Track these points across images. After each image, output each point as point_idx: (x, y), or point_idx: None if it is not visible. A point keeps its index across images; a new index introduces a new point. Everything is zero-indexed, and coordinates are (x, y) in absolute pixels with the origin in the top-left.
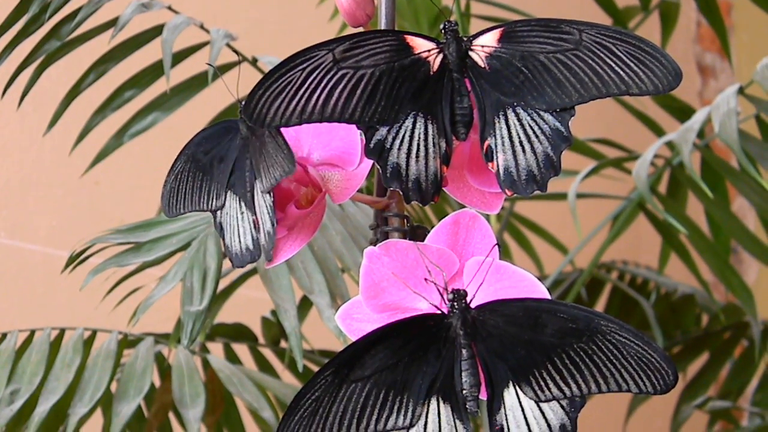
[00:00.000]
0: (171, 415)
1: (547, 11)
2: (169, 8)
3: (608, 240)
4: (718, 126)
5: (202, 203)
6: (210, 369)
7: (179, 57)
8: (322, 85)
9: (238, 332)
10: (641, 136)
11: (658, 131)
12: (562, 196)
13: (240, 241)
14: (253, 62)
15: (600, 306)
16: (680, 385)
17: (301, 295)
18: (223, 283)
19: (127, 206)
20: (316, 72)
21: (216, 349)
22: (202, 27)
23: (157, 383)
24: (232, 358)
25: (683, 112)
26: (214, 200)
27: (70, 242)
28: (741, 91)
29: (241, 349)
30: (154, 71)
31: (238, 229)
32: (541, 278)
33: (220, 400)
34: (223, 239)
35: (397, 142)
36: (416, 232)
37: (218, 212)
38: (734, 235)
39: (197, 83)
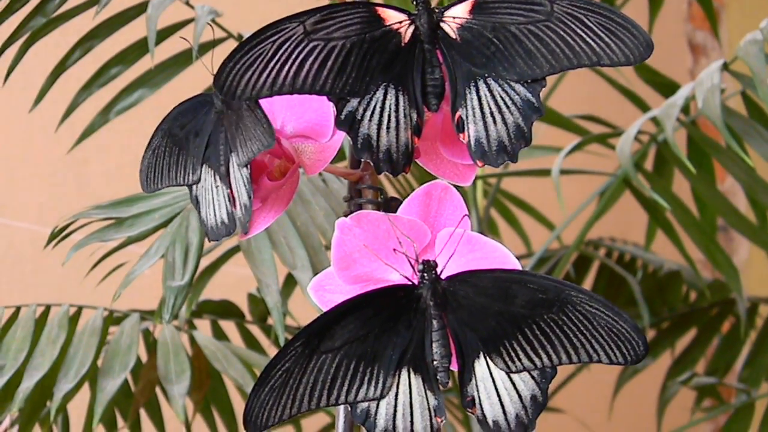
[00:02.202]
0: (158, 392)
1: None
2: None
3: (594, 217)
4: (702, 102)
5: (179, 178)
6: (196, 345)
7: (165, 33)
8: (293, 57)
9: (225, 309)
10: (628, 113)
11: (644, 108)
12: (547, 173)
13: (215, 215)
14: (239, 38)
15: (588, 283)
16: (668, 361)
17: (287, 271)
18: (209, 260)
19: (115, 183)
20: (287, 44)
21: (203, 326)
22: (187, 3)
23: (145, 360)
24: (219, 335)
25: (669, 88)
26: (190, 174)
27: (58, 220)
28: (726, 67)
29: (229, 326)
30: (140, 48)
31: (214, 203)
32: (528, 255)
33: (206, 377)
34: (199, 213)
35: (368, 113)
36: (390, 204)
37: (194, 186)
38: (720, 213)
39: (183, 59)
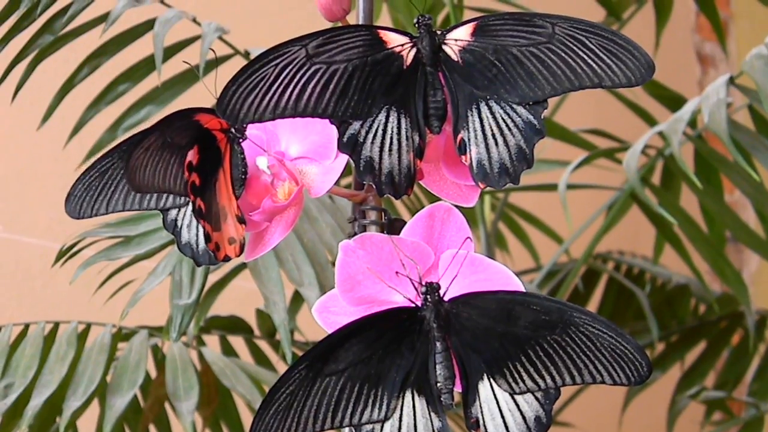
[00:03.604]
0: (168, 408)
1: (540, 3)
2: (161, 2)
3: (601, 231)
4: (708, 116)
5: (149, 202)
6: (204, 362)
7: (172, 51)
8: (296, 80)
9: (234, 324)
10: (635, 127)
11: (651, 122)
12: (555, 187)
13: None
14: (246, 55)
15: (596, 297)
16: (677, 375)
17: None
18: (217, 276)
19: None
20: (290, 67)
21: (212, 341)
22: (194, 20)
23: (154, 376)
24: (228, 350)
25: (675, 102)
26: (171, 198)
27: (67, 236)
28: (732, 80)
29: (238, 342)
30: (148, 65)
31: None
32: (537, 269)
33: (214, 393)
34: (180, 237)
35: (371, 135)
36: (394, 225)
37: (175, 210)
38: (728, 226)
39: (191, 76)
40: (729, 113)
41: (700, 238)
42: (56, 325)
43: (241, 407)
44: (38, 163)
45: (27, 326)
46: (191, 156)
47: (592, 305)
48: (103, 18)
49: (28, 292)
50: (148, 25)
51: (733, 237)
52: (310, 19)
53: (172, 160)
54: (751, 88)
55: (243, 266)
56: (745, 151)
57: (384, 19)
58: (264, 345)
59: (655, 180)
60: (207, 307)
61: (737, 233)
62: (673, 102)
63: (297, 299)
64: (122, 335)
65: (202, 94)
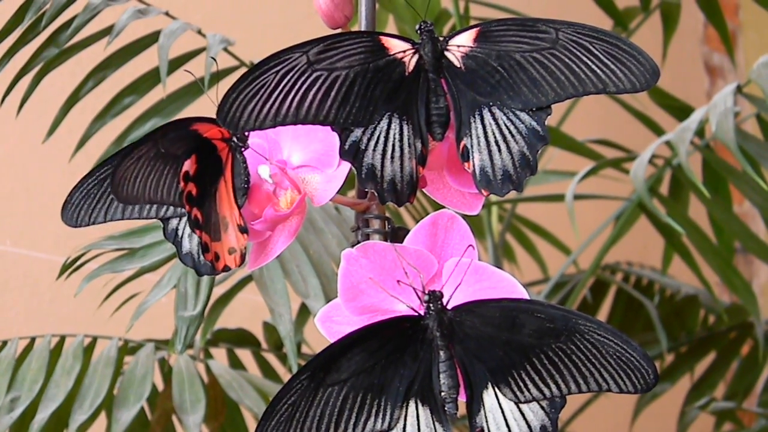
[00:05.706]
0: (175, 421)
1: (547, 13)
2: (167, 14)
3: (609, 241)
4: (715, 125)
5: (148, 211)
6: (211, 374)
7: (177, 63)
8: (296, 87)
9: (241, 337)
10: (642, 137)
11: (659, 131)
12: (562, 198)
13: None
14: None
15: (605, 308)
16: (687, 386)
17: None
18: (223, 288)
19: None
20: (290, 74)
21: (220, 354)
22: (199, 32)
23: (161, 389)
24: (235, 363)
25: (683, 112)
26: (173, 207)
27: (76, 250)
28: (740, 89)
29: (246, 355)
30: (153, 77)
31: None
32: (545, 280)
33: (221, 406)
34: (180, 247)
35: (372, 143)
36: (397, 234)
37: (176, 220)
38: (737, 236)
39: (196, 88)
40: (737, 122)
41: (709, 248)
42: (62, 338)
43: (248, 420)
44: (45, 177)
45: (33, 340)
46: (188, 166)
47: (601, 316)
48: (107, 30)
49: (36, 307)
50: (153, 38)
51: (743, 247)
52: (317, 31)
53: (166, 171)
54: (759, 97)
55: (249, 279)
56: (754, 161)
57: (390, 30)
58: (271, 358)
59: (663, 190)
60: (214, 319)
61: (747, 243)
62: (681, 112)
63: (304, 312)
64: (129, 348)
65: (208, 106)
